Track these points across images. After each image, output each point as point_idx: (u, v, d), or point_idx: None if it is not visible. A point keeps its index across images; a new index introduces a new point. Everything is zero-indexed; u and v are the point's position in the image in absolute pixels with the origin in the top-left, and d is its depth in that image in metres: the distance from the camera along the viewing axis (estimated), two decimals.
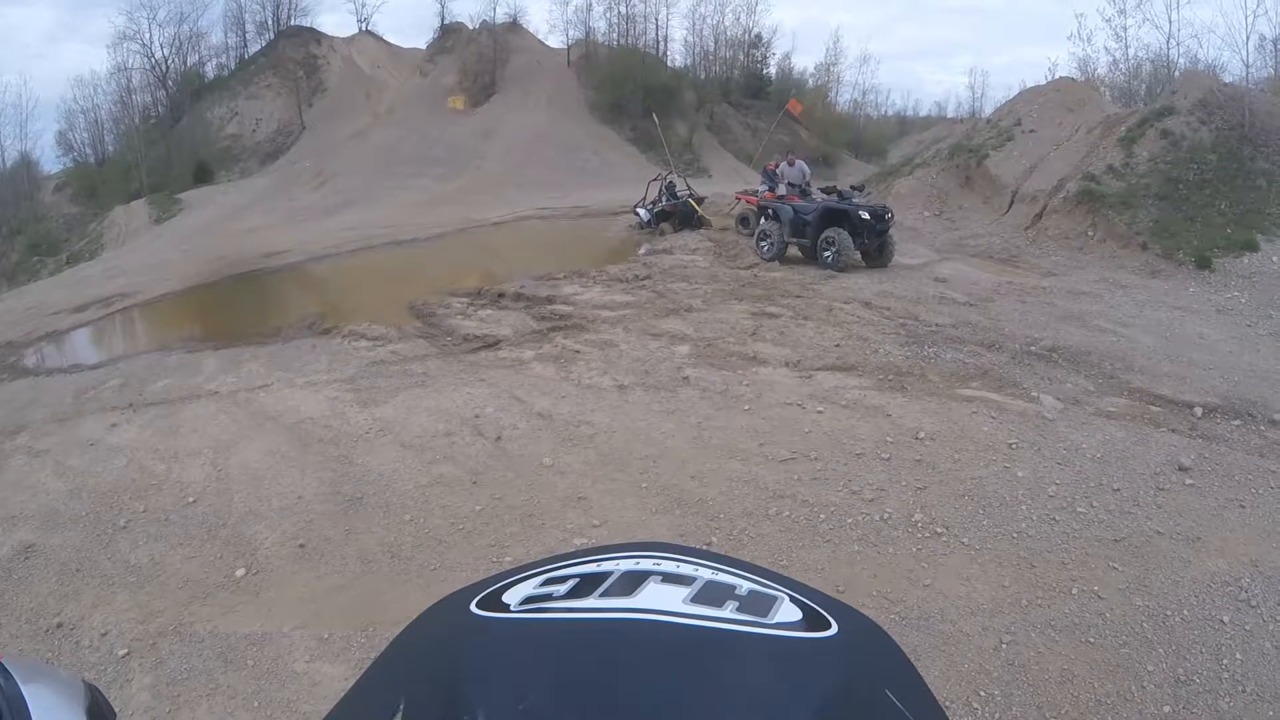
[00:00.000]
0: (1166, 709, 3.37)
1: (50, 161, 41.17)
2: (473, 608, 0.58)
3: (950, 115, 52.68)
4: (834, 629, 0.56)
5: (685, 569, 0.60)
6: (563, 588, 0.58)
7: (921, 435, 5.45)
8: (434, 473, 5.33)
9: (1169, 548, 4.35)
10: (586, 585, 0.58)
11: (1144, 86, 28.38)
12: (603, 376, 6.78)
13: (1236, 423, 5.82)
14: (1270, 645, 3.70)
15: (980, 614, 3.85)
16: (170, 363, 8.57)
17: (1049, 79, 20.07)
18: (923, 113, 58.58)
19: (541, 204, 22.55)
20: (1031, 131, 15.77)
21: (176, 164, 34.65)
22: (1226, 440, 5.56)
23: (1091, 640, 3.71)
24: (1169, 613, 3.88)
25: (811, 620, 0.56)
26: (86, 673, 3.82)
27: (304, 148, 36.65)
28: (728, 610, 0.54)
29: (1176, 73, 23.16)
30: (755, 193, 13.37)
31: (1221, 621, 3.82)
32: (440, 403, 6.39)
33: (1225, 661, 3.60)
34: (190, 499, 5.33)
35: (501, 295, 10.07)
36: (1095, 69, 31.44)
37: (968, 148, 16.25)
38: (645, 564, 0.61)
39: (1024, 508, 4.65)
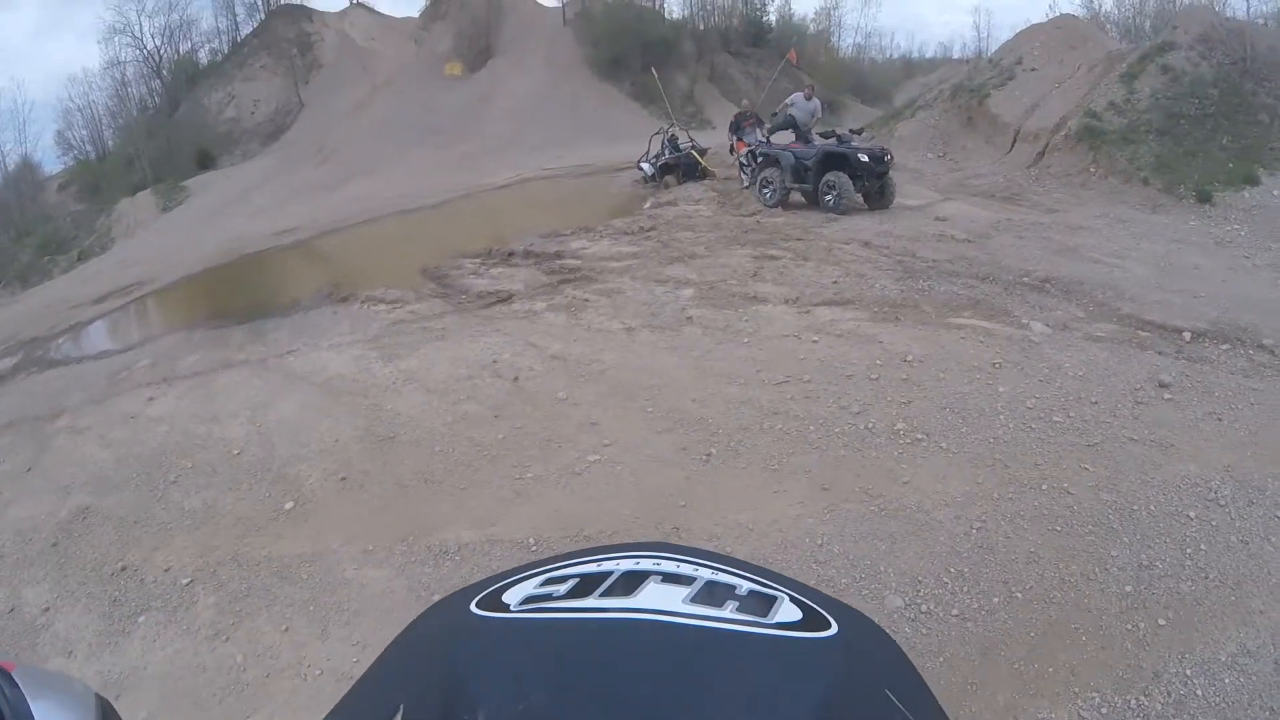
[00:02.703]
0: (1128, 589, 3.65)
1: (51, 161, 41.20)
2: (473, 608, 0.60)
3: (956, 56, 51.99)
4: (834, 629, 0.57)
5: (685, 569, 0.62)
6: (563, 588, 0.60)
7: (910, 358, 5.72)
8: (458, 411, 5.70)
9: (1141, 452, 4.56)
10: (586, 585, 0.59)
11: (1148, 22, 28.02)
12: (611, 321, 7.08)
13: (1225, 346, 5.93)
14: (1236, 539, 3.91)
15: (954, 505, 4.18)
16: (196, 339, 8.93)
17: (1050, 16, 19.95)
18: (928, 54, 57.75)
19: (545, 164, 22.58)
20: (1033, 70, 15.66)
21: (177, 152, 34.49)
22: (1211, 361, 5.69)
23: (1058, 529, 4.00)
24: (1136, 507, 4.12)
25: (811, 620, 0.57)
26: (154, 601, 4.29)
27: (304, 125, 36.41)
28: (728, 610, 0.56)
29: (1180, 7, 22.83)
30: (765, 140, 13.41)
31: (1188, 517, 4.05)
32: (460, 352, 6.72)
33: (1189, 551, 3.84)
34: (235, 452, 5.70)
35: (511, 254, 10.32)
36: (1101, 4, 31.12)
37: (969, 88, 16.17)
38: (645, 564, 0.62)
39: (1002, 418, 4.93)
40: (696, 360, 6.10)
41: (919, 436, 4.80)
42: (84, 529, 5.21)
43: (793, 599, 0.60)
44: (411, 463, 5.16)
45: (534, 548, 4.23)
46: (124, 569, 4.69)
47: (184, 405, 6.74)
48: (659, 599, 0.56)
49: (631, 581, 0.59)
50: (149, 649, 4.04)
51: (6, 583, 4.82)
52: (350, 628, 3.87)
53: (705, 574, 0.61)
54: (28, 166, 38.88)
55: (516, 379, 6.09)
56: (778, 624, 0.56)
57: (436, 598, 2.86)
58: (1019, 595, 3.66)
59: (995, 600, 3.64)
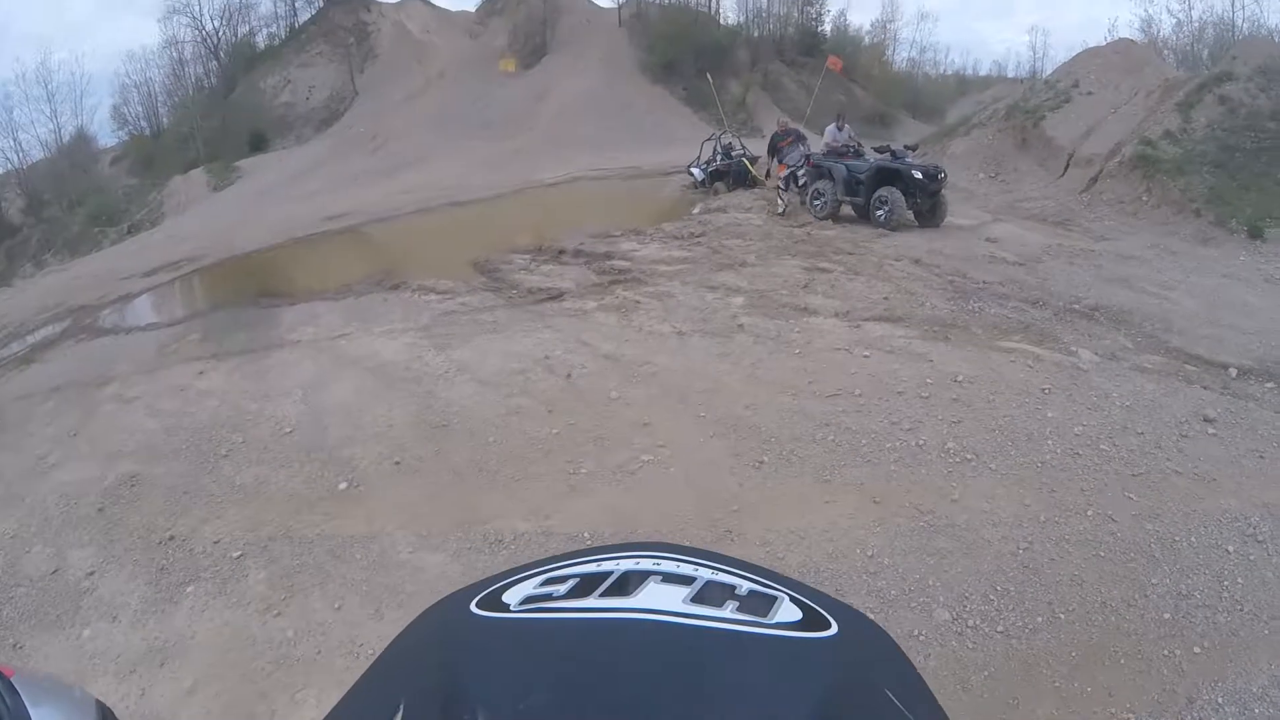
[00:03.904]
0: (1166, 615, 3.72)
1: (106, 135, 41.92)
2: (473, 608, 0.59)
3: (1011, 75, 51.59)
4: (834, 629, 0.57)
5: (685, 569, 0.61)
6: (563, 588, 0.59)
7: (960, 379, 5.74)
8: (511, 404, 5.80)
9: (1184, 485, 4.60)
10: (586, 585, 0.59)
11: (1206, 51, 27.70)
12: (662, 324, 7.14)
13: (1270, 385, 5.91)
14: (1272, 575, 3.96)
15: (1001, 525, 4.23)
16: (248, 317, 9.14)
17: (1109, 40, 19.75)
18: (983, 72, 57.47)
19: (596, 164, 22.70)
20: (1089, 94, 15.53)
21: (232, 133, 35.32)
22: (1256, 399, 5.69)
23: (1102, 554, 4.06)
24: (1177, 538, 4.17)
25: (811, 620, 0.57)
26: (203, 572, 4.40)
27: (358, 113, 36.97)
28: (728, 610, 0.55)
29: (1240, 37, 22.52)
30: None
31: (1227, 550, 4.10)
32: (512, 346, 6.82)
33: (1226, 584, 3.90)
34: (287, 429, 5.83)
35: (561, 252, 10.43)
36: (1159, 30, 30.81)
37: (1024, 109, 16.05)
38: (645, 564, 0.62)
39: (1050, 443, 4.95)
40: (748, 368, 6.15)
41: (969, 456, 4.84)
42: (131, 496, 5.34)
43: (793, 599, 0.59)
44: (465, 452, 5.26)
45: (589, 541, 4.28)
46: (172, 538, 4.81)
47: (235, 381, 6.89)
48: (659, 599, 0.56)
49: (631, 581, 0.59)
50: (197, 618, 4.15)
51: (51, 544, 4.96)
52: (405, 609, 3.95)
53: (705, 574, 0.60)
54: (83, 139, 39.58)
55: (569, 376, 6.18)
56: (778, 624, 0.55)
57: None
58: (1062, 616, 3.72)
59: (1039, 619, 3.70)
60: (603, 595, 0.57)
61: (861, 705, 0.51)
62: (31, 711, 1.00)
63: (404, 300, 8.83)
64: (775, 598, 0.58)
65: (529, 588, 0.60)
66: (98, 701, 1.14)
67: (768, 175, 14.15)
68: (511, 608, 0.57)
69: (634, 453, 5.08)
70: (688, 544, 0.69)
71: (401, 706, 0.51)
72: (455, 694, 0.49)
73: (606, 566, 0.61)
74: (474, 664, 0.52)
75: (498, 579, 0.63)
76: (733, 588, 0.58)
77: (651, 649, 0.51)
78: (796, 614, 0.57)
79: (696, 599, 0.56)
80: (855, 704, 0.51)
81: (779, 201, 12.77)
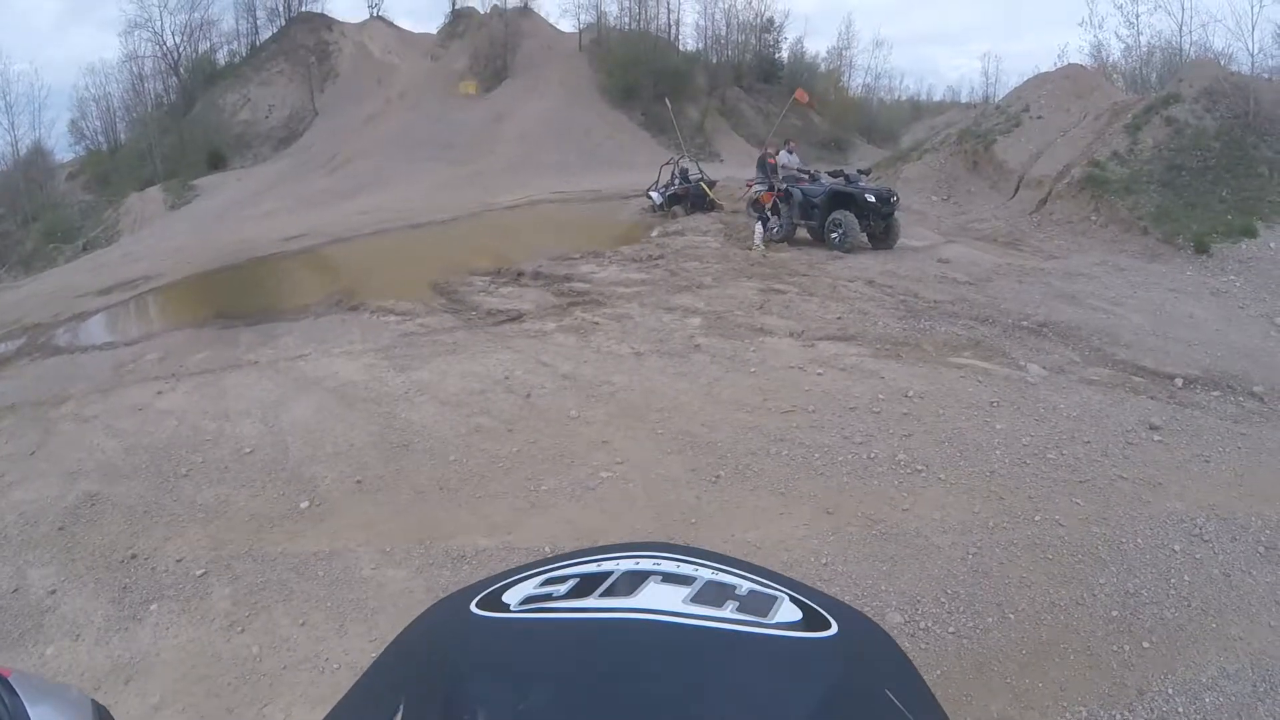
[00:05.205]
0: (1114, 613, 3.86)
1: (63, 149, 41.45)
2: (473, 608, 0.59)
3: (964, 100, 52.70)
4: (834, 629, 0.57)
5: (685, 569, 0.61)
6: (563, 588, 0.59)
7: (911, 394, 5.91)
8: (472, 423, 5.84)
9: (1130, 489, 4.78)
10: (586, 585, 0.59)
11: (1155, 74, 28.41)
12: (620, 345, 7.24)
13: (1216, 393, 6.17)
14: (1218, 572, 4.14)
15: (951, 532, 4.36)
16: (205, 337, 9.06)
17: (1059, 65, 20.25)
18: (936, 97, 58.70)
19: (555, 188, 22.88)
20: (1039, 118, 15.99)
21: (190, 151, 35.12)
22: (1202, 407, 5.94)
23: (1049, 557, 4.20)
24: (1123, 540, 4.33)
25: (811, 620, 0.57)
26: (167, 590, 4.37)
27: (317, 133, 36.94)
28: (728, 610, 0.56)
29: (1187, 60, 23.21)
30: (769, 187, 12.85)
31: (1173, 550, 4.26)
32: (472, 367, 6.86)
33: (1173, 581, 4.06)
34: (247, 450, 5.79)
35: (521, 274, 10.55)
36: (1109, 55, 31.61)
37: (976, 133, 16.47)
38: (645, 564, 0.62)
39: (998, 453, 5.12)
40: (705, 387, 6.26)
41: (919, 467, 4.98)
42: (92, 515, 5.26)
43: (793, 599, 0.59)
44: (427, 470, 5.29)
45: (550, 555, 4.28)
46: (134, 557, 4.75)
47: (194, 401, 6.82)
48: (659, 599, 0.56)
49: (632, 581, 0.59)
50: (161, 636, 4.10)
51: (10, 563, 4.85)
52: (369, 625, 3.98)
53: (705, 574, 0.60)
54: (39, 152, 38.90)
55: (529, 396, 6.23)
56: (778, 624, 0.55)
57: None
58: (1011, 616, 3.84)
59: (989, 620, 3.82)
60: (603, 595, 0.57)
61: (862, 705, 0.52)
62: (30, 710, 1.00)
63: (363, 321, 8.86)
64: (775, 598, 0.59)
65: (529, 588, 0.60)
66: (94, 701, 1.14)
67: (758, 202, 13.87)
68: (512, 608, 0.58)
69: (593, 469, 5.14)
70: (684, 544, 0.70)
71: (401, 706, 0.52)
72: (455, 694, 0.49)
73: (606, 567, 0.62)
74: (474, 664, 0.53)
75: (498, 579, 0.64)
76: (733, 588, 0.59)
77: (651, 649, 0.51)
78: (796, 614, 0.57)
79: (696, 599, 0.56)
80: (855, 704, 0.51)
81: (756, 229, 12.14)
